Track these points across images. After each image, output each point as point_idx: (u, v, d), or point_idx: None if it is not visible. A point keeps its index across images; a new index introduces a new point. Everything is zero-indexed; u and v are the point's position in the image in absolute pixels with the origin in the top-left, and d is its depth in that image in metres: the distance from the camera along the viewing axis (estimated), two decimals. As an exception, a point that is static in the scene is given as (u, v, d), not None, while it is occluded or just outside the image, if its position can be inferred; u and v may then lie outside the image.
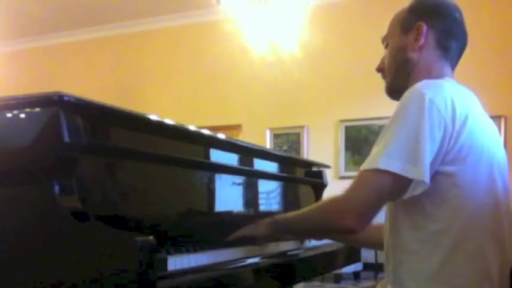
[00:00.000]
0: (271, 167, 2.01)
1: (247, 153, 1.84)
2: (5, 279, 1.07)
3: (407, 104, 1.18)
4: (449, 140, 1.16)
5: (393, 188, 1.17)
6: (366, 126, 5.82)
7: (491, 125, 1.32)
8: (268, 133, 6.45)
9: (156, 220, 1.36)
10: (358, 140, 5.95)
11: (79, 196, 1.06)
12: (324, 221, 1.27)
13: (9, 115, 1.12)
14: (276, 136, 6.45)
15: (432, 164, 1.15)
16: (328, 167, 2.38)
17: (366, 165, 1.19)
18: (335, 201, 1.24)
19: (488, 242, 1.21)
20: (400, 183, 1.16)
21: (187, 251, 1.27)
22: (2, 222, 1.09)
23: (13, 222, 1.09)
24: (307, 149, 6.29)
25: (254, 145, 1.85)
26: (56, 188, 1.03)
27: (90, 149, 1.13)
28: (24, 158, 1.08)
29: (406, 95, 1.20)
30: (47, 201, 1.03)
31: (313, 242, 1.80)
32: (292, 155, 5.41)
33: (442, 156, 1.17)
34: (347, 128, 6.02)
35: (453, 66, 1.37)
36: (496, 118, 5.35)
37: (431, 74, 1.31)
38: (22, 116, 1.11)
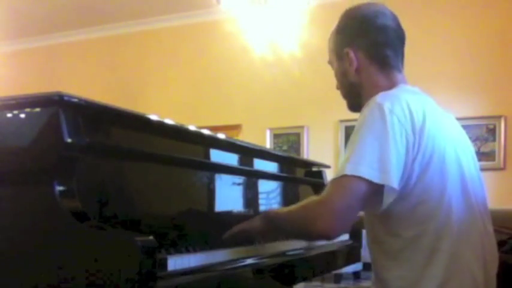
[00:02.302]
0: (271, 167, 2.01)
1: (247, 153, 1.84)
2: (5, 279, 1.07)
3: (368, 116, 1.20)
4: (413, 146, 1.19)
5: (364, 193, 1.16)
6: (366, 126, 5.81)
7: (453, 125, 1.35)
8: (268, 133, 6.45)
9: (156, 220, 1.36)
10: (358, 140, 5.95)
11: (79, 196, 1.06)
12: (304, 225, 1.24)
13: (9, 115, 1.12)
14: (276, 136, 6.45)
15: (403, 173, 1.17)
16: (328, 167, 2.38)
17: (334, 176, 1.20)
18: (311, 205, 1.22)
19: (465, 242, 1.23)
20: (370, 189, 1.16)
21: (187, 251, 1.27)
22: (2, 222, 1.09)
23: (13, 222, 1.09)
24: (307, 149, 6.28)
25: (254, 145, 1.85)
26: (56, 188, 1.03)
27: (91, 149, 1.13)
28: (24, 158, 1.08)
29: (366, 107, 1.23)
30: (47, 201, 1.03)
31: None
32: (292, 155, 5.41)
33: (410, 164, 1.19)
34: (347, 128, 6.02)
35: (399, 67, 1.38)
36: (496, 118, 5.35)
37: (380, 87, 1.34)
38: (22, 116, 1.11)
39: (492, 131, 5.38)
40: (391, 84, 1.35)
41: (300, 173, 2.28)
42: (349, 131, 6.07)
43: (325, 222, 1.16)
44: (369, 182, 1.15)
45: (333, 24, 1.48)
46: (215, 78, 6.71)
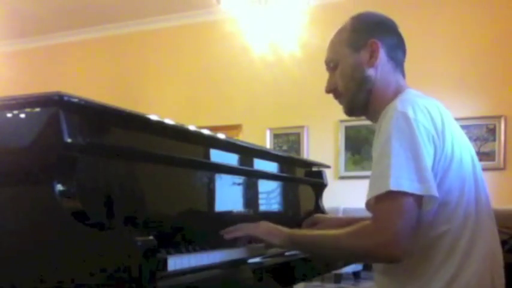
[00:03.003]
0: (271, 167, 2.01)
1: (247, 153, 1.84)
2: (5, 279, 1.07)
3: (394, 126, 1.20)
4: (438, 150, 1.22)
5: (415, 206, 1.18)
6: (365, 126, 5.82)
7: (460, 129, 1.37)
8: (268, 133, 6.45)
9: (156, 220, 1.36)
10: (358, 140, 5.95)
11: (79, 196, 1.06)
12: (368, 252, 1.23)
13: (9, 115, 1.12)
14: (276, 136, 6.45)
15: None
16: (328, 167, 2.38)
17: (375, 191, 1.19)
18: (369, 233, 1.21)
19: (477, 241, 1.27)
20: (416, 201, 1.18)
21: (187, 251, 1.27)
22: (2, 222, 1.09)
23: (13, 223, 1.09)
24: (307, 149, 6.29)
25: (254, 145, 1.85)
26: (56, 188, 1.03)
27: (90, 149, 1.13)
28: (24, 158, 1.08)
29: (388, 117, 1.23)
30: (47, 201, 1.03)
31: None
32: (292, 155, 5.41)
33: (435, 167, 1.22)
34: (347, 128, 6.02)
35: (403, 74, 1.42)
36: (496, 118, 5.36)
37: (390, 87, 1.37)
38: (22, 116, 1.10)
39: (492, 131, 5.38)
40: (398, 87, 1.37)
41: (300, 173, 2.27)
42: (349, 131, 6.08)
43: (393, 249, 1.17)
44: (413, 195, 1.16)
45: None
46: (215, 78, 6.71)
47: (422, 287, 1.25)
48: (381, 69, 1.37)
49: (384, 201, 1.18)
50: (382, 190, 1.17)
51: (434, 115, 1.24)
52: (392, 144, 1.18)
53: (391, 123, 1.21)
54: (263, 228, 1.41)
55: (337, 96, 1.46)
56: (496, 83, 5.35)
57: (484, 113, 5.37)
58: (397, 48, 1.39)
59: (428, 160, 1.19)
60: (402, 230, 1.16)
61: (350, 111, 1.46)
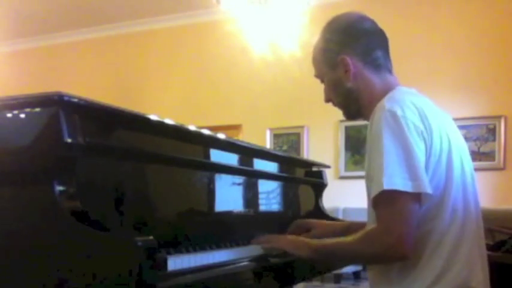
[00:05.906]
0: (271, 167, 2.01)
1: (247, 153, 1.84)
2: (4, 279, 1.07)
3: (384, 125, 1.22)
4: (428, 146, 1.23)
5: (414, 203, 1.20)
6: (366, 126, 5.81)
7: (451, 124, 1.38)
8: (268, 133, 6.45)
9: (156, 220, 1.36)
10: (358, 140, 5.95)
11: (79, 196, 1.06)
12: (380, 256, 1.26)
13: (9, 115, 1.12)
14: (276, 136, 6.45)
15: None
16: (328, 167, 2.38)
17: (374, 192, 1.21)
18: (375, 238, 1.23)
19: (464, 236, 1.28)
20: (414, 198, 1.20)
21: (187, 251, 1.27)
22: (2, 222, 1.09)
23: (13, 222, 1.09)
24: (307, 149, 6.29)
25: (254, 145, 1.85)
26: (56, 188, 1.03)
27: (90, 149, 1.13)
28: (24, 158, 1.08)
29: (377, 116, 1.25)
30: (47, 201, 1.03)
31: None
32: (292, 155, 5.41)
33: (427, 162, 1.23)
34: (347, 128, 6.03)
35: (389, 67, 1.42)
36: (496, 118, 5.36)
37: (375, 89, 1.38)
38: (22, 116, 1.11)
39: (492, 131, 5.38)
40: (387, 86, 1.37)
41: (300, 173, 2.27)
42: (349, 131, 6.08)
43: (401, 248, 1.20)
44: (408, 193, 1.18)
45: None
46: (215, 78, 6.71)
47: (411, 282, 1.27)
48: (360, 78, 1.39)
49: (382, 202, 1.21)
50: (378, 190, 1.19)
51: (421, 111, 1.25)
52: (383, 143, 1.20)
53: (381, 123, 1.22)
54: (290, 242, 1.44)
55: (334, 105, 1.51)
56: (496, 83, 5.35)
57: (484, 113, 5.37)
58: (370, 49, 1.39)
59: (421, 156, 1.20)
60: (406, 229, 1.19)
61: (348, 117, 1.50)
